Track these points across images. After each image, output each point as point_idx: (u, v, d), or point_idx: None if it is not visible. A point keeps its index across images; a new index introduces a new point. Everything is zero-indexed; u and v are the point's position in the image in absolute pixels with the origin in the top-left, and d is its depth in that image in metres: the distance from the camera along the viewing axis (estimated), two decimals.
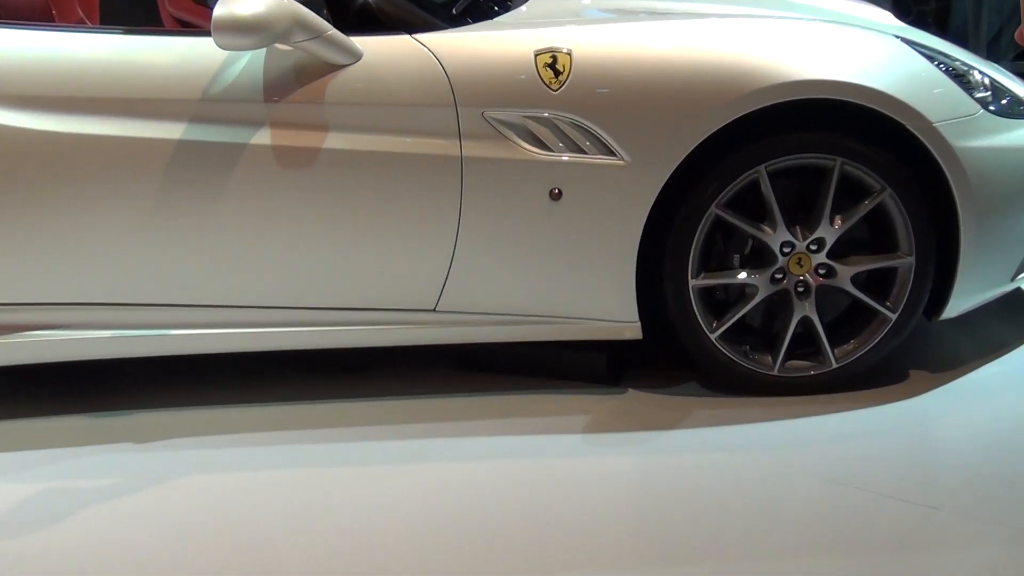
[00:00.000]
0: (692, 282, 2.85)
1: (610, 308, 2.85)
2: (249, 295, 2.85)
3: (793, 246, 2.85)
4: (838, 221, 2.84)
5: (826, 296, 2.93)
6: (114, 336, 2.85)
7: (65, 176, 2.73)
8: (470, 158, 2.71)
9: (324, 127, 2.71)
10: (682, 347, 2.96)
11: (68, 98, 2.72)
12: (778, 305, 2.94)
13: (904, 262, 2.85)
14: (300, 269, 2.82)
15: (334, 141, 2.70)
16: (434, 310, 2.87)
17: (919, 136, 2.74)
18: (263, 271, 2.82)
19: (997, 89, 2.97)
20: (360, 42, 2.73)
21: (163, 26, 3.77)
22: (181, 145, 2.71)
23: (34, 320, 2.83)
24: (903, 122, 2.73)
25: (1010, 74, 3.21)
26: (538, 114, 2.70)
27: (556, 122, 2.70)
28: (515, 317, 2.87)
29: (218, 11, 2.58)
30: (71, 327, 2.83)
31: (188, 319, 2.84)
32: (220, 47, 2.60)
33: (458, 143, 2.71)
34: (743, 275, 2.89)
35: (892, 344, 2.91)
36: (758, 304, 2.90)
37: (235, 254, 2.81)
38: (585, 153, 2.71)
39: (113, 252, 2.79)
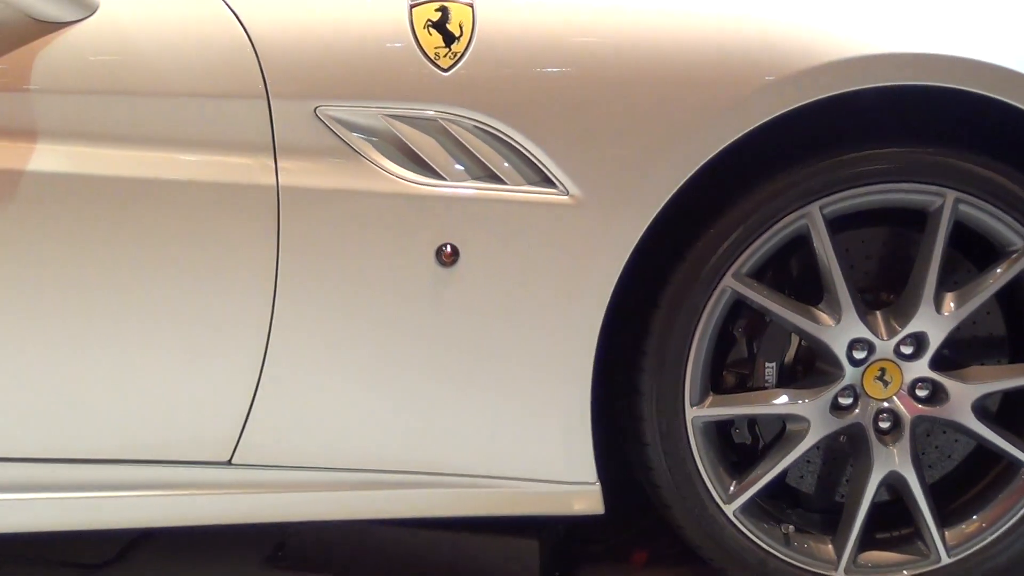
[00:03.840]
0: (692, 412, 2.55)
1: (548, 461, 2.55)
2: None
3: (871, 348, 2.54)
4: (950, 303, 2.53)
5: (931, 437, 2.71)
6: None
7: None
8: (293, 189, 2.38)
9: (29, 134, 2.37)
10: (674, 527, 2.65)
11: None
12: (846, 454, 2.70)
13: None
14: None
15: (48, 159, 2.36)
16: (229, 463, 2.53)
17: None
18: None
19: None
20: None
21: None
22: None
23: None
24: None
25: None
26: (417, 112, 2.38)
27: (449, 127, 2.38)
28: (372, 476, 2.56)
29: None
30: None
31: None
32: None
33: (272, 163, 2.38)
34: (783, 400, 2.58)
35: None
36: (810, 452, 2.63)
37: None
38: (501, 183, 2.39)
39: None
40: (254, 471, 2.56)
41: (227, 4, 2.38)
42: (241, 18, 2.38)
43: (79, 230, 2.43)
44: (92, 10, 2.38)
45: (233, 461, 2.54)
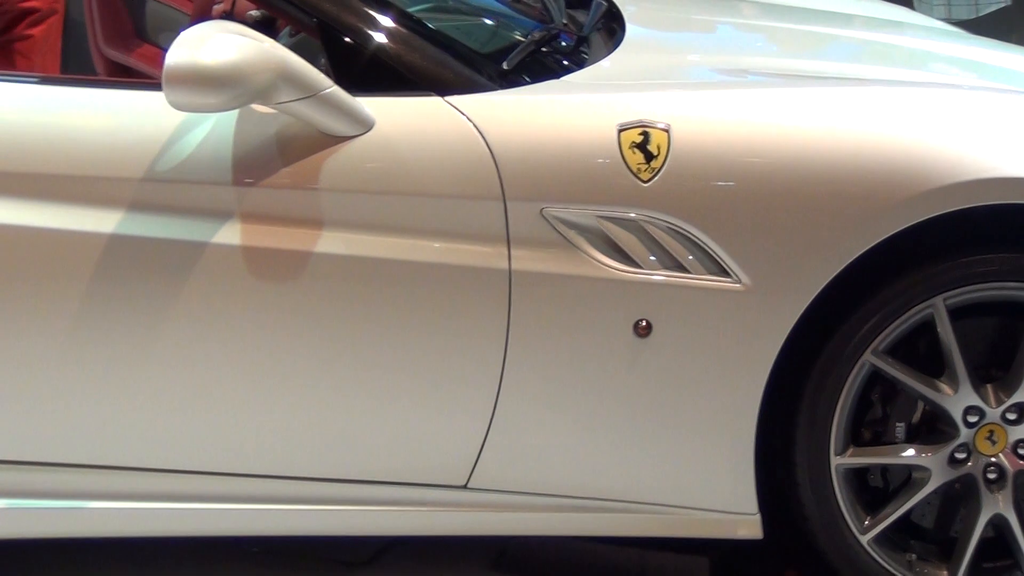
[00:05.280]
0: (836, 460, 2.73)
1: (718, 494, 2.73)
2: (197, 455, 2.73)
3: (982, 414, 2.71)
4: None
5: None
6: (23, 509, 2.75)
7: None
8: (522, 273, 2.60)
9: (317, 223, 2.59)
10: (819, 553, 2.81)
11: None
12: (959, 498, 2.80)
13: None
14: (272, 422, 2.70)
15: (330, 243, 2.58)
16: (465, 487, 2.74)
17: None
18: (218, 424, 2.71)
19: None
20: (372, 105, 2.62)
21: (94, 73, 3.67)
22: (113, 243, 2.57)
23: None
24: None
25: None
26: (621, 214, 2.58)
27: (646, 226, 2.59)
28: (578, 501, 2.73)
29: (173, 57, 2.39)
30: None
31: (98, 486, 2.76)
32: (174, 107, 2.44)
33: (506, 252, 2.60)
34: (910, 453, 2.75)
35: None
36: (931, 495, 2.77)
37: (180, 399, 2.67)
38: (686, 272, 2.59)
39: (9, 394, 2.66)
40: (483, 494, 2.75)
41: (474, 125, 2.59)
42: (485, 136, 2.59)
43: (351, 298, 2.62)
44: (369, 127, 2.59)
45: (468, 485, 2.74)
